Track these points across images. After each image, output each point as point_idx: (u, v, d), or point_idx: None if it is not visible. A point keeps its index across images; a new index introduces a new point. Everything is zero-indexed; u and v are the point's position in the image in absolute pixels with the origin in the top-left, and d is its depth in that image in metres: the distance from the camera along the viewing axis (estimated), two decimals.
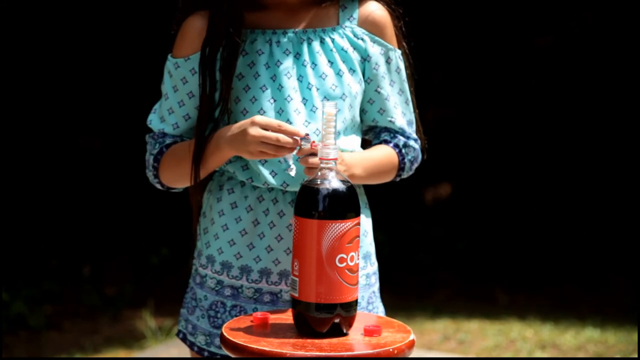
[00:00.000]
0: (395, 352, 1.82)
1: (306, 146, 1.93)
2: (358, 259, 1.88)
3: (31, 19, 6.16)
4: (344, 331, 1.89)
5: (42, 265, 5.77)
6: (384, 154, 2.18)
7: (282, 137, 1.94)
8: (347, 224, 1.85)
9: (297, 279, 1.87)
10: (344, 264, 1.85)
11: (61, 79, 6.37)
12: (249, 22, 2.11)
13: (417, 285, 5.85)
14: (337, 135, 2.10)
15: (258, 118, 1.97)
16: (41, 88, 6.33)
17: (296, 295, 1.87)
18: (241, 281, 2.13)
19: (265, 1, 2.12)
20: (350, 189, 1.87)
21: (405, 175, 2.23)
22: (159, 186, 2.21)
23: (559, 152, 6.52)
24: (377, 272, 2.26)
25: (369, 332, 1.89)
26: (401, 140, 2.20)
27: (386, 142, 2.20)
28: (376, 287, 2.24)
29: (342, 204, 1.86)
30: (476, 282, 5.90)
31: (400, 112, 2.21)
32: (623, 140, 6.35)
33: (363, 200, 2.21)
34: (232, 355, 1.84)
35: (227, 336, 1.86)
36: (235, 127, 2.01)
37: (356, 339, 1.87)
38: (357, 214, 1.87)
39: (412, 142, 2.21)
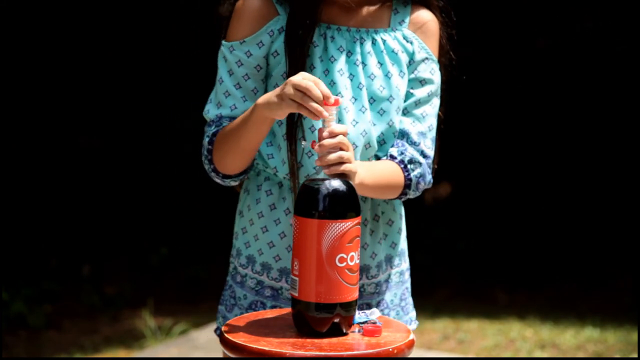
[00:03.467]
0: (395, 351, 1.82)
1: (330, 113, 1.87)
2: (358, 258, 1.87)
3: (31, 19, 6.16)
4: (344, 331, 1.89)
5: (42, 265, 5.77)
6: (390, 168, 2.10)
7: (313, 88, 1.87)
8: (348, 223, 1.85)
9: (297, 278, 1.87)
10: (344, 263, 1.85)
11: (61, 78, 6.38)
12: None
13: (417, 285, 5.83)
14: (378, 137, 2.11)
15: (294, 78, 1.91)
16: (41, 88, 6.34)
17: (296, 294, 1.87)
18: (280, 283, 2.14)
19: None
20: (351, 189, 1.87)
21: (411, 194, 2.14)
22: (215, 177, 2.13)
23: (559, 152, 6.52)
24: (409, 269, 2.28)
25: (368, 331, 1.89)
26: (407, 155, 2.12)
27: (392, 157, 2.13)
28: (409, 283, 2.28)
29: (343, 204, 1.85)
30: (476, 282, 5.90)
31: (426, 124, 2.16)
32: (623, 141, 6.36)
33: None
34: (232, 355, 1.84)
35: (227, 336, 1.86)
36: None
37: (356, 338, 1.87)
38: (358, 214, 1.87)
39: (419, 157, 2.13)
